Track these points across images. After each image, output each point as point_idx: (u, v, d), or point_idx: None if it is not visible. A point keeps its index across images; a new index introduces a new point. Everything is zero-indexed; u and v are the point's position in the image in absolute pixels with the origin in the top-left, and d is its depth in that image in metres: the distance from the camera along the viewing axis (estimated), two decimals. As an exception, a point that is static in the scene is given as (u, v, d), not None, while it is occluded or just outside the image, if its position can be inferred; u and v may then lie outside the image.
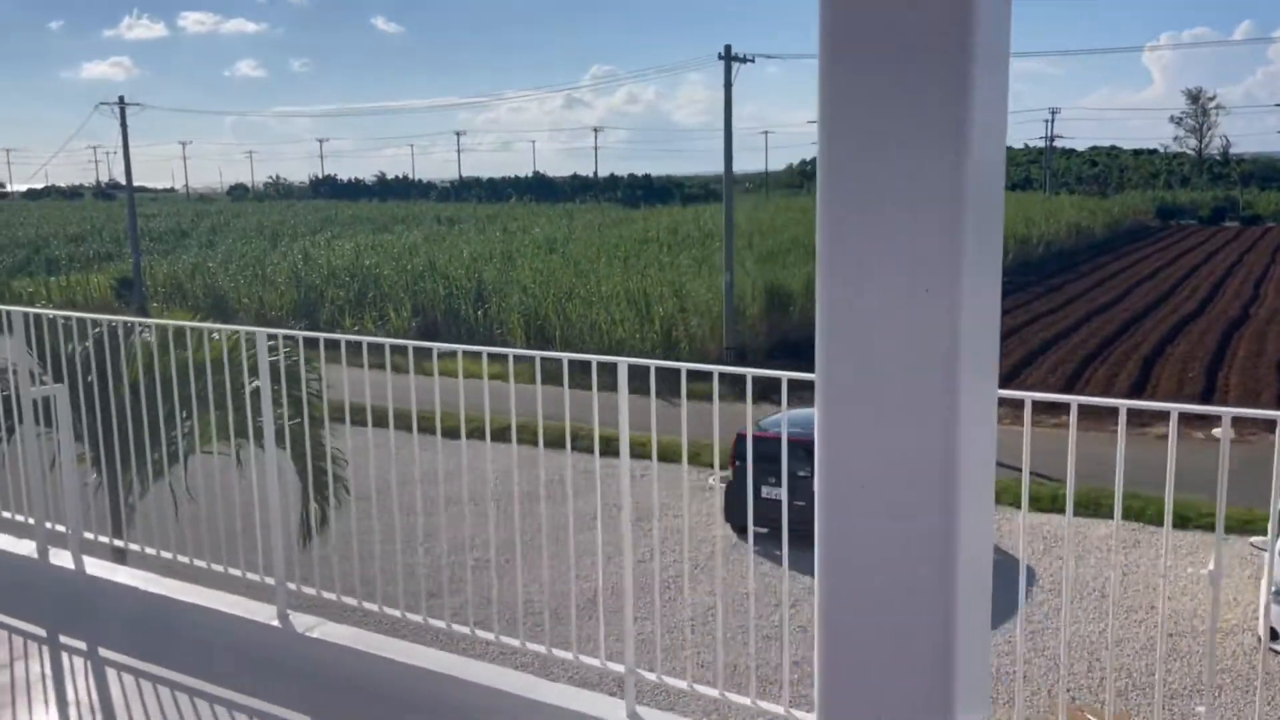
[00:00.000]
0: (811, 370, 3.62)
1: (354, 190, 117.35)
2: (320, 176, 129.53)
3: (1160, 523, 14.02)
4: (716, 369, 3.88)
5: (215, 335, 5.45)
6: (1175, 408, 2.95)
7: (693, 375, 4.00)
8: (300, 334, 4.94)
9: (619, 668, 4.11)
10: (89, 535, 5.78)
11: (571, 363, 4.18)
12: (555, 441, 4.59)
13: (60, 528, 5.70)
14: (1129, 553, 16.31)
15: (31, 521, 5.79)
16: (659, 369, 3.95)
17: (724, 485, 17.21)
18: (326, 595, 4.92)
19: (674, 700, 6.54)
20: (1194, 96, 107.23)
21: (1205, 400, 25.11)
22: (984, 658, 1.96)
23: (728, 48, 32.04)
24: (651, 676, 4.13)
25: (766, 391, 4.06)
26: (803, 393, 4.00)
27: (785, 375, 3.60)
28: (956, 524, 1.78)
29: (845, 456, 1.85)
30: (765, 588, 13.63)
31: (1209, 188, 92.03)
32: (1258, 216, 78.95)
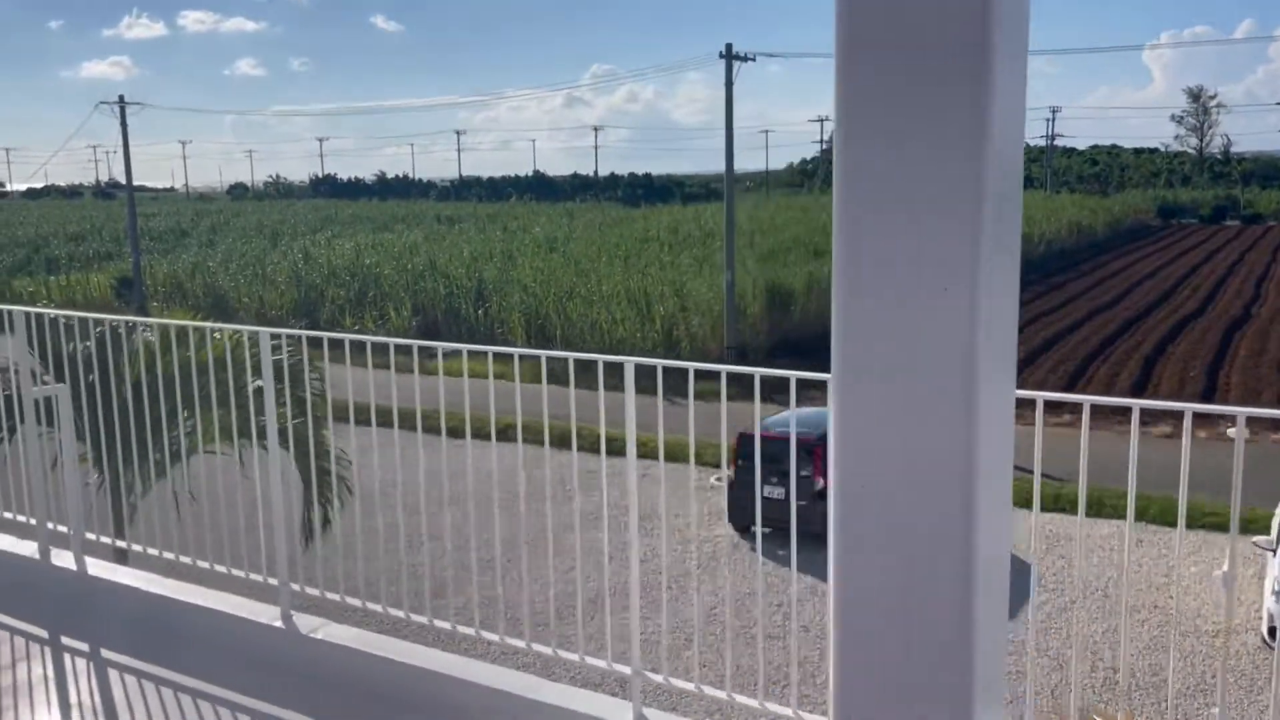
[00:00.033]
0: (812, 369, 3.60)
1: (354, 189, 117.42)
2: (320, 175, 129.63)
3: (1161, 522, 14.09)
4: (724, 368, 3.85)
5: (217, 335, 5.43)
6: (1190, 407, 2.93)
7: (695, 374, 3.96)
8: (304, 333, 4.92)
9: (625, 669, 4.08)
10: (91, 536, 5.75)
11: (565, 361, 4.15)
12: (557, 441, 4.56)
13: (62, 528, 5.68)
14: (1131, 552, 16.28)
15: (33, 522, 5.76)
16: (668, 370, 3.92)
17: (726, 485, 17.23)
18: (330, 596, 4.89)
19: (675, 700, 6.52)
20: (1195, 95, 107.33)
21: (1207, 399, 25.09)
22: (1001, 658, 1.95)
23: (729, 46, 32.02)
24: (657, 678, 4.10)
25: (768, 391, 4.04)
26: (805, 392, 4.00)
27: (794, 375, 3.57)
28: (975, 524, 1.77)
29: (861, 456, 1.84)
30: (766, 587, 13.60)
31: (1210, 186, 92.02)
32: (1259, 215, 78.98)
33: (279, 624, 4.84)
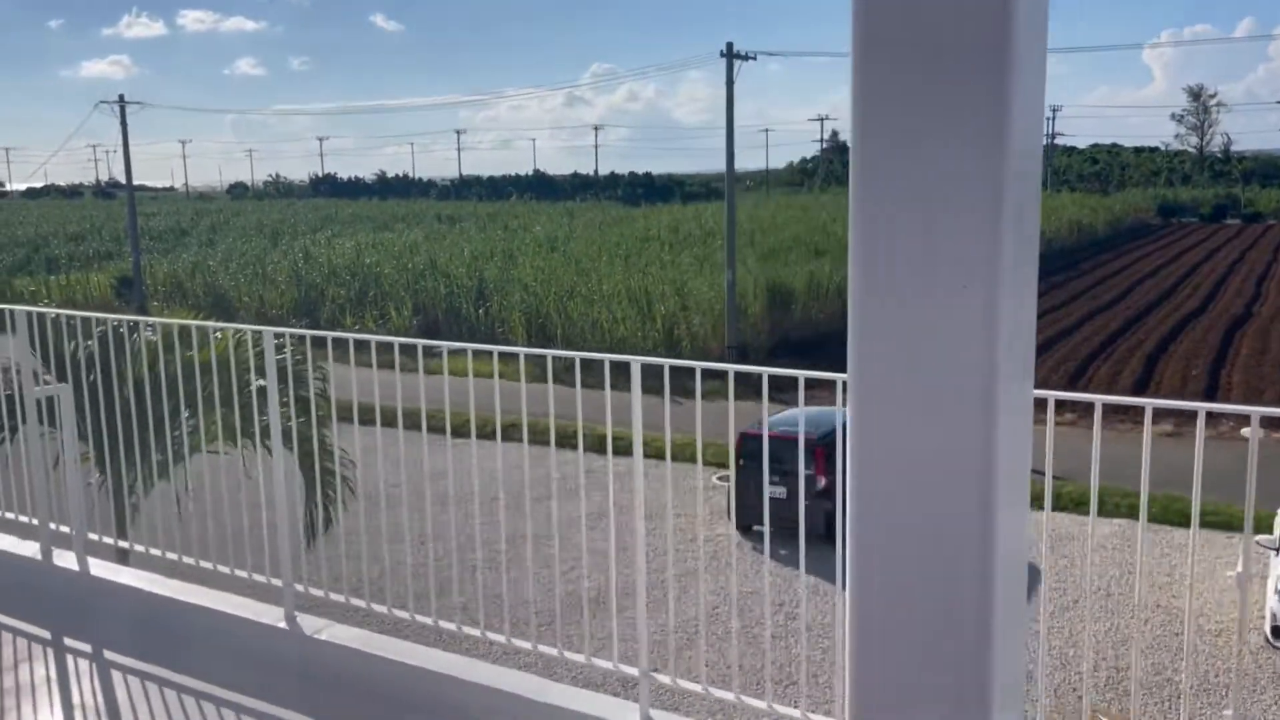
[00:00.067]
0: (813, 368, 3.58)
1: (354, 188, 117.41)
2: (320, 175, 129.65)
3: (1161, 520, 14.02)
4: (732, 368, 3.83)
5: (219, 334, 5.40)
6: (1204, 406, 2.90)
7: (690, 373, 3.95)
8: (308, 332, 4.89)
9: (632, 670, 4.06)
10: (93, 536, 5.73)
11: (569, 360, 4.14)
12: (561, 441, 4.54)
13: (64, 529, 5.65)
14: (1133, 551, 16.27)
15: (35, 522, 5.74)
16: (660, 368, 3.90)
17: (727, 484, 17.22)
18: (334, 597, 4.87)
19: (678, 700, 6.49)
20: (1195, 94, 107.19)
21: (1209, 398, 25.08)
22: (1019, 658, 1.94)
23: (729, 45, 31.99)
24: (665, 679, 4.08)
25: (772, 390, 4.02)
26: (810, 390, 3.98)
27: (803, 374, 3.55)
28: (994, 524, 1.76)
29: (879, 456, 1.83)
30: (769, 586, 13.59)
31: (1210, 185, 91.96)
32: (1259, 214, 78.92)
33: (282, 625, 4.82)
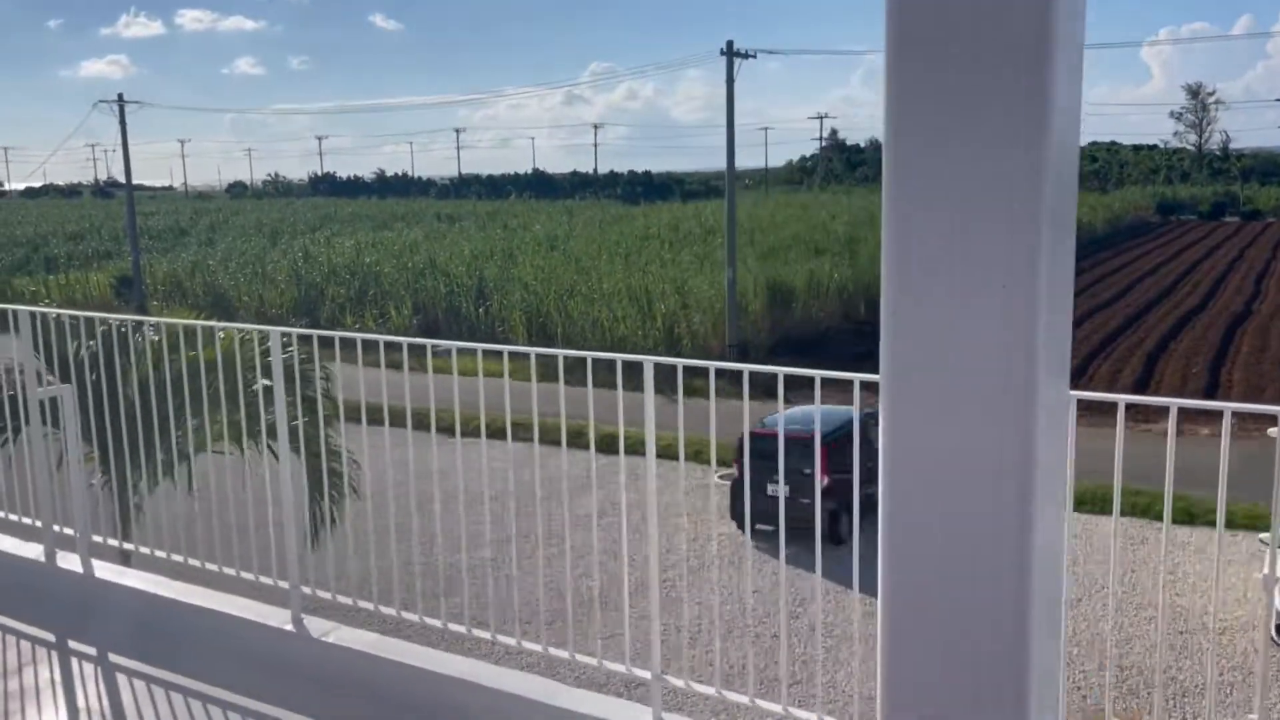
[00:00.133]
0: (813, 366, 3.55)
1: (353, 187, 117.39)
2: (319, 174, 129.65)
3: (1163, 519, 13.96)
4: (747, 368, 3.80)
5: (223, 334, 5.36)
6: (1230, 406, 2.88)
7: (691, 371, 3.93)
8: (315, 332, 4.85)
9: (645, 673, 4.02)
10: (97, 538, 5.68)
11: (572, 359, 4.10)
12: (571, 441, 4.51)
13: (68, 531, 5.61)
14: (1136, 550, 16.25)
15: (39, 524, 5.70)
16: (663, 368, 3.88)
17: (728, 483, 17.20)
18: (342, 599, 4.82)
19: (682, 701, 6.45)
20: (1193, 91, 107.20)
21: (1210, 396, 25.06)
22: (1055, 659, 1.92)
23: (730, 43, 31.97)
24: (678, 682, 4.04)
25: (765, 390, 4.00)
26: (808, 390, 3.94)
27: (819, 374, 3.51)
28: (1033, 524, 1.74)
29: (913, 457, 1.81)
30: (771, 586, 13.56)
31: (1209, 183, 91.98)
32: (1258, 211, 78.95)
33: (290, 628, 4.77)
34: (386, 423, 4.70)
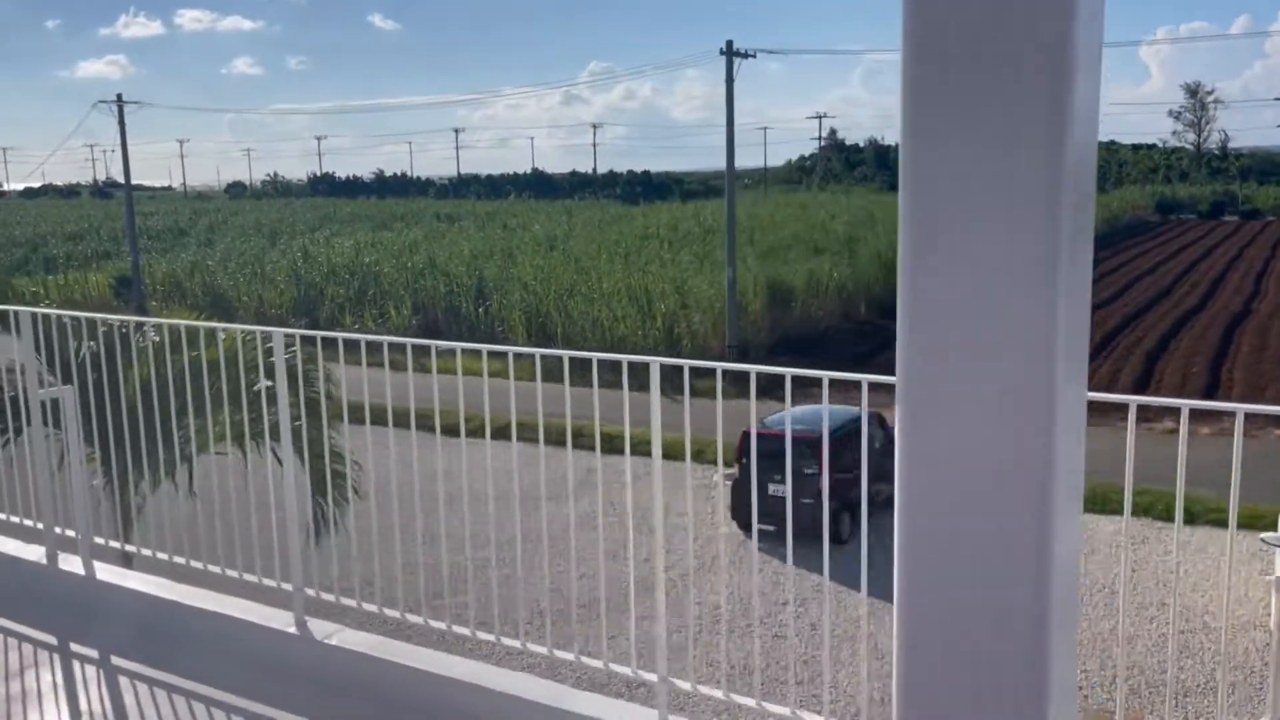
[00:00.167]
0: (813, 366, 3.53)
1: (352, 187, 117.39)
2: (318, 174, 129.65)
3: (1166, 518, 14.01)
4: (754, 368, 3.78)
5: (224, 334, 5.34)
6: (1241, 408, 2.87)
7: (694, 371, 3.91)
8: (319, 333, 4.83)
9: (652, 676, 4.00)
10: (99, 540, 5.66)
11: (571, 359, 4.09)
12: (560, 441, 4.49)
13: (70, 533, 5.59)
14: (1137, 549, 16.25)
15: (41, 526, 5.67)
16: (665, 368, 3.86)
17: (729, 483, 17.19)
18: (346, 601, 4.80)
19: (684, 701, 6.43)
20: (1192, 91, 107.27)
21: (1210, 396, 25.07)
22: (1072, 663, 1.90)
23: (729, 43, 31.95)
24: (685, 685, 4.01)
25: (764, 389, 3.98)
26: (808, 389, 3.93)
27: (827, 375, 3.50)
28: (1051, 529, 1.72)
29: (930, 460, 1.78)
30: (772, 585, 13.55)
31: (1208, 182, 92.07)
32: (1257, 210, 79.02)
33: (293, 630, 4.75)
34: (390, 423, 4.69)
